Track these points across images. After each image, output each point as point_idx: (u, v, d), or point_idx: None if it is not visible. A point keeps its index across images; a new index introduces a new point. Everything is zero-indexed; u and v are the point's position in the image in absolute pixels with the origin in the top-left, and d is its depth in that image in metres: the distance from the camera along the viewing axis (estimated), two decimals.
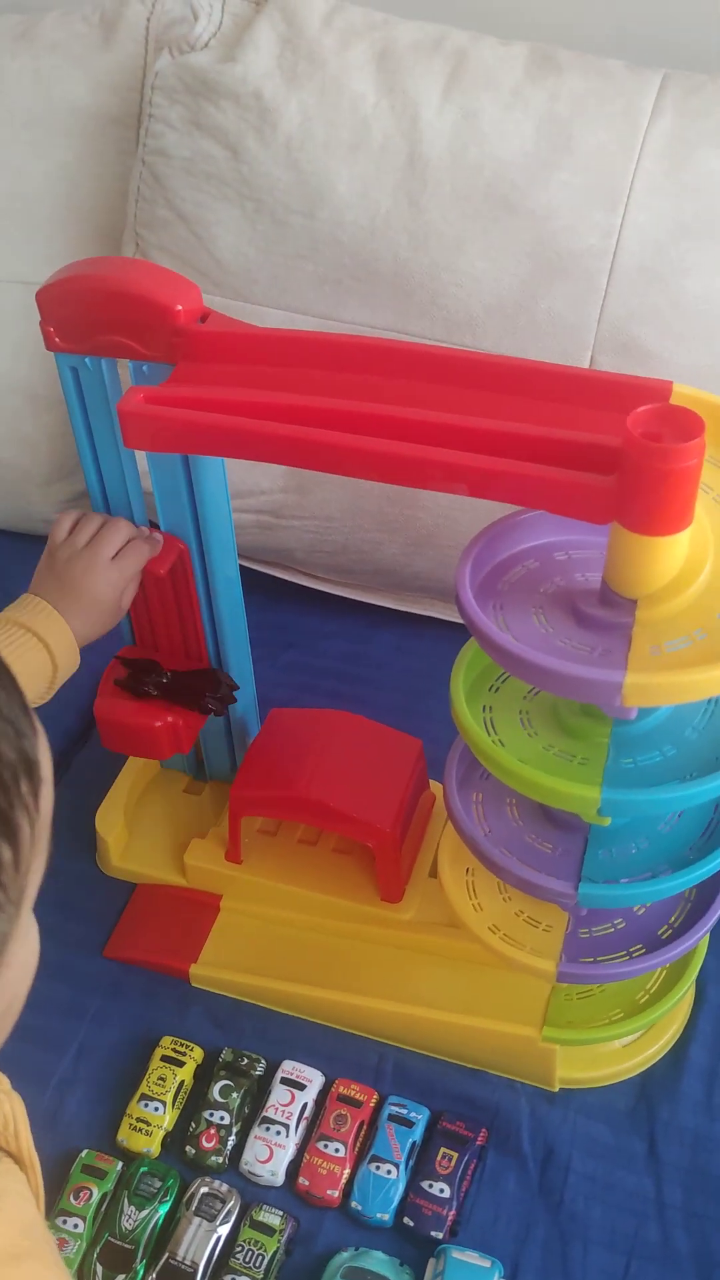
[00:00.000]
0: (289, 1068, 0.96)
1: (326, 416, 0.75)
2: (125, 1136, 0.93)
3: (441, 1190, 0.89)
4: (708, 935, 0.91)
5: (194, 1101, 0.95)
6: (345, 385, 0.78)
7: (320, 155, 1.12)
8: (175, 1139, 0.94)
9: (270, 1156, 0.91)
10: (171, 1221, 0.88)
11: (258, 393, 0.78)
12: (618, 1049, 0.96)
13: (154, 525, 0.95)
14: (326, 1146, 0.92)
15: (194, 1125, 0.93)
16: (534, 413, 0.73)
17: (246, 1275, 0.85)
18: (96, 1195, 0.89)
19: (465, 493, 0.72)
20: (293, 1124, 0.93)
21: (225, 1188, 0.89)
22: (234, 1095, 0.94)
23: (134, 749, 1.01)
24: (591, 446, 0.68)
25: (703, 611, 0.69)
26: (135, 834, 1.10)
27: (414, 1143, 0.92)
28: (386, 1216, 0.89)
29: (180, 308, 0.81)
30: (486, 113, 1.10)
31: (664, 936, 0.88)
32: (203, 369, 0.81)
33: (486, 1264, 0.85)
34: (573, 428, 0.71)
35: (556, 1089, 0.95)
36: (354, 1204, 0.89)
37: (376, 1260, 0.86)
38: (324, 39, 1.14)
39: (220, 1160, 0.92)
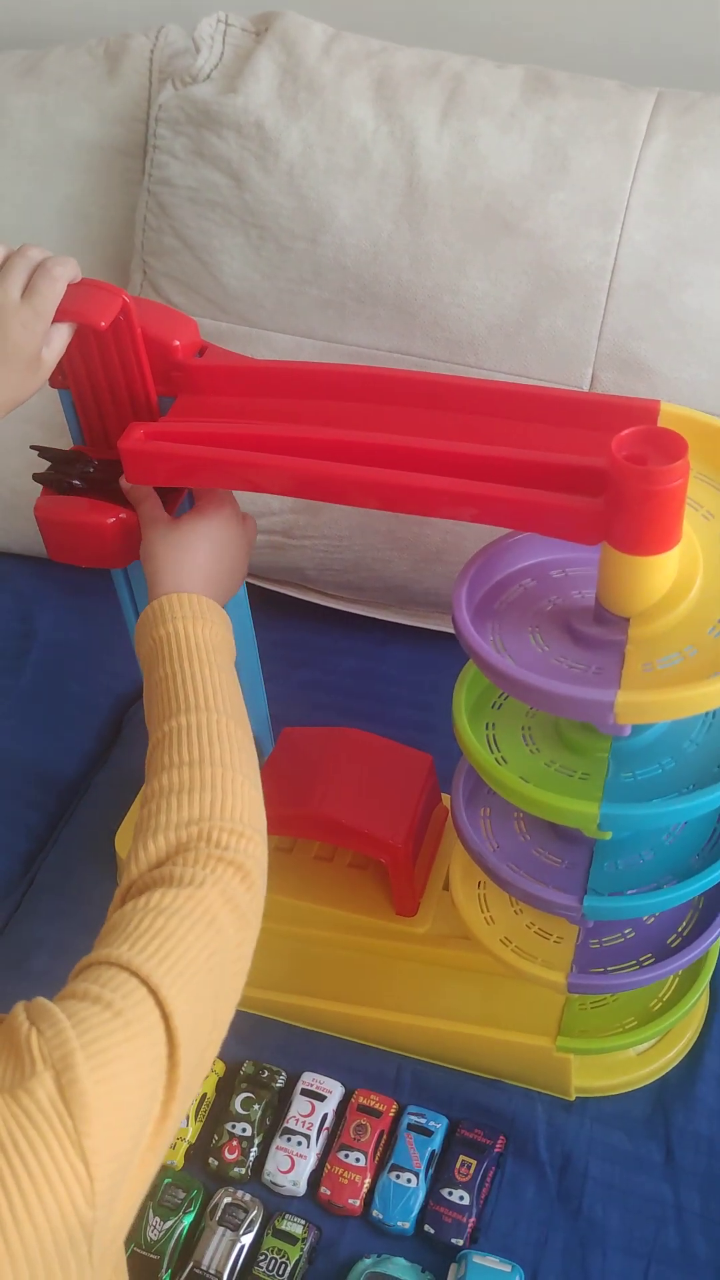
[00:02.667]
0: (309, 1079, 0.97)
1: (322, 447, 0.77)
2: None
3: (461, 1198, 0.91)
4: (719, 942, 0.92)
5: (216, 1114, 0.97)
6: (340, 414, 0.80)
7: (321, 182, 1.14)
8: (198, 1151, 0.96)
9: (292, 1167, 0.93)
10: (195, 1232, 0.90)
11: (254, 425, 0.80)
12: (633, 1057, 0.97)
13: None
14: (347, 1156, 0.93)
15: (216, 1137, 0.95)
16: (526, 436, 0.75)
17: None
18: None
19: (460, 518, 0.74)
20: (313, 1134, 0.94)
21: (248, 1198, 0.91)
22: (255, 1107, 0.96)
23: (83, 555, 0.87)
24: (579, 469, 0.70)
25: (694, 628, 0.70)
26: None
27: (433, 1151, 0.93)
28: (407, 1224, 0.90)
29: (178, 343, 0.82)
30: (484, 136, 1.11)
31: (673, 945, 0.89)
32: (202, 401, 0.83)
33: (507, 1269, 0.87)
34: (564, 450, 0.72)
35: (573, 1098, 0.96)
36: (375, 1212, 0.91)
37: (398, 1267, 0.88)
38: (323, 67, 1.16)
39: (243, 1171, 0.93)
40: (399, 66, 1.16)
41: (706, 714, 0.81)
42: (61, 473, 0.84)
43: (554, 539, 0.79)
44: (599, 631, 0.74)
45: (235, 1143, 0.94)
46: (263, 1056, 0.99)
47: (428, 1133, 0.94)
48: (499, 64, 1.17)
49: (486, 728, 0.83)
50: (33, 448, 0.86)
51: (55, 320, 0.76)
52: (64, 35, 1.36)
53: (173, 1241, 0.89)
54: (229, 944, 0.64)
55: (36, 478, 0.85)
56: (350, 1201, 0.92)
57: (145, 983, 0.58)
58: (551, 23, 1.27)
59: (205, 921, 0.62)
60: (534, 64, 1.17)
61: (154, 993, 0.58)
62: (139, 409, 0.84)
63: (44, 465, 0.87)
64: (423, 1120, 0.95)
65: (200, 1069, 0.61)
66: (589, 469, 0.69)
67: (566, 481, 0.70)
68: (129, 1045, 0.56)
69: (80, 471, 0.84)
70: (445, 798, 1.08)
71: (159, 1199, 0.91)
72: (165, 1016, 0.58)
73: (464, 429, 0.76)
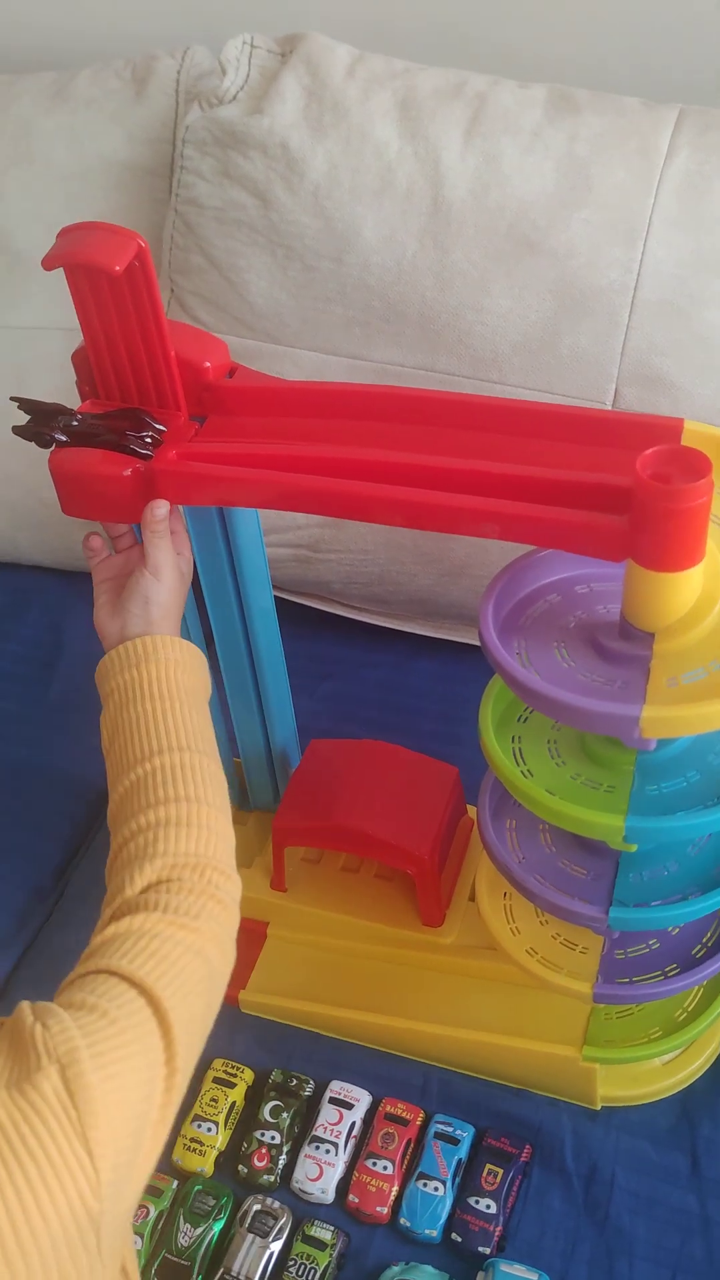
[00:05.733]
0: (337, 1088, 0.98)
1: (350, 466, 0.78)
2: (180, 1156, 0.96)
3: (488, 1206, 0.92)
4: None
5: (245, 1122, 0.98)
6: (367, 434, 0.82)
7: (346, 202, 1.16)
8: (228, 1158, 0.97)
9: (320, 1174, 0.94)
10: (226, 1238, 0.92)
11: (283, 445, 0.81)
12: (658, 1067, 0.98)
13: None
14: (375, 1164, 0.94)
15: (246, 1145, 0.96)
16: (552, 455, 0.76)
17: None
18: (153, 1213, 0.92)
19: (488, 535, 0.75)
20: (341, 1142, 0.95)
21: (277, 1205, 0.92)
22: (284, 1115, 0.97)
23: (98, 508, 0.86)
24: (604, 487, 0.71)
25: (718, 643, 0.72)
26: None
27: (460, 1160, 0.94)
28: (434, 1232, 0.91)
29: (209, 364, 0.84)
30: (507, 155, 1.13)
31: (698, 956, 0.90)
32: (232, 422, 0.85)
33: (534, 1277, 0.87)
34: (589, 469, 0.74)
35: (599, 1107, 0.97)
36: (403, 1220, 0.92)
37: (426, 1275, 0.88)
38: (347, 89, 1.18)
39: (272, 1179, 0.94)
40: (422, 87, 1.18)
41: None
42: (43, 426, 0.82)
43: (577, 555, 0.80)
44: (624, 646, 0.75)
45: (264, 1150, 0.95)
46: (291, 1065, 1.01)
47: (455, 1141, 0.95)
48: (521, 83, 1.18)
49: (512, 741, 0.84)
50: (13, 399, 0.84)
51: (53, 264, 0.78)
52: (92, 58, 1.38)
53: (203, 1248, 0.90)
54: (216, 975, 0.67)
55: (16, 430, 0.83)
56: (378, 1209, 0.92)
57: (142, 990, 0.61)
58: (573, 41, 1.28)
59: (194, 951, 0.65)
60: (556, 83, 1.19)
61: (152, 999, 0.61)
62: (153, 356, 0.82)
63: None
64: (450, 1129, 0.96)
65: (190, 1072, 0.63)
66: (614, 487, 0.70)
67: (592, 499, 0.71)
68: (126, 1050, 0.58)
69: (64, 425, 0.82)
70: (471, 809, 1.09)
71: (190, 1206, 0.92)
72: (162, 1022, 0.60)
73: (490, 448, 0.78)
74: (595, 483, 0.72)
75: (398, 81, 1.19)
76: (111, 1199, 0.55)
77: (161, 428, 0.83)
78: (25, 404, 0.84)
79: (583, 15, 1.27)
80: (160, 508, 0.82)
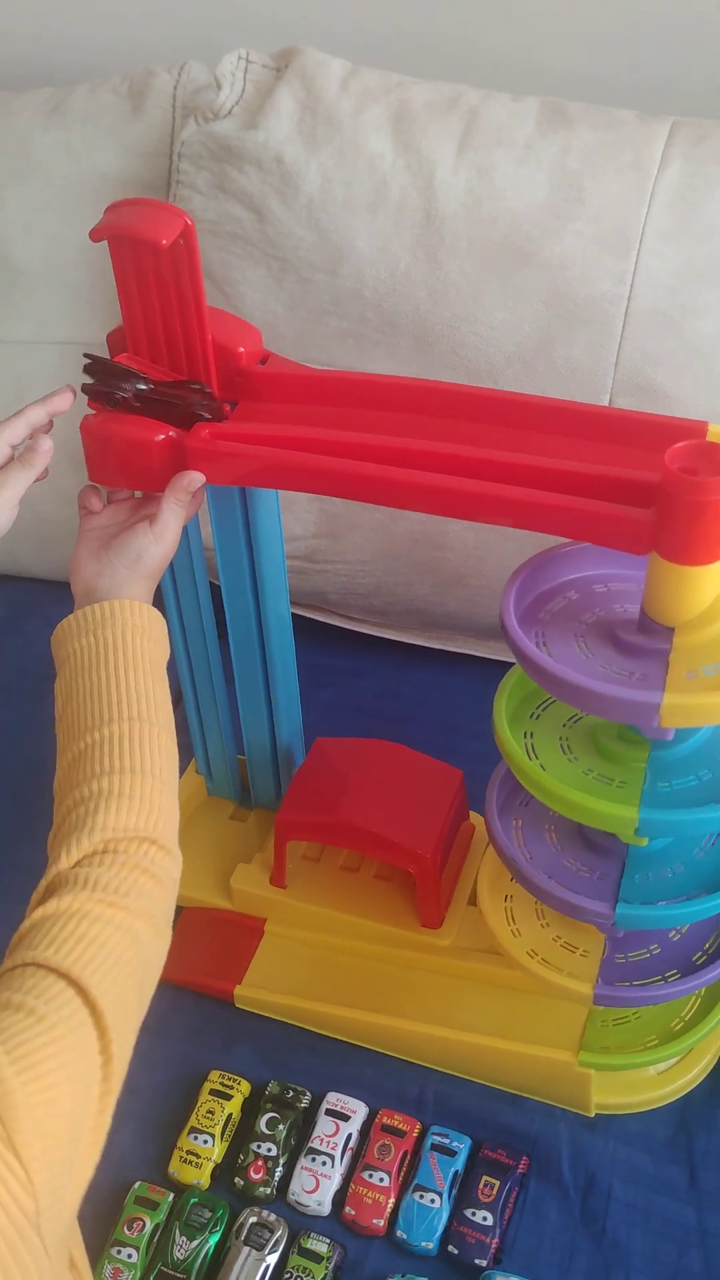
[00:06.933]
0: (333, 1099, 0.98)
1: (380, 452, 0.79)
2: (176, 1169, 0.96)
3: (484, 1218, 0.91)
4: None
5: (242, 1134, 0.98)
6: (395, 423, 0.83)
7: (341, 215, 1.16)
8: (224, 1171, 0.96)
9: (316, 1187, 0.94)
10: (222, 1251, 0.91)
11: (315, 430, 0.82)
12: (653, 1076, 0.98)
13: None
14: (371, 1176, 0.94)
15: (242, 1157, 0.96)
16: (577, 451, 0.77)
17: None
18: (149, 1226, 0.92)
19: (514, 524, 0.76)
20: (338, 1154, 0.95)
21: (273, 1218, 0.92)
22: (280, 1127, 0.96)
23: (127, 476, 0.86)
24: (632, 482, 0.72)
25: None
26: (183, 859, 1.14)
27: (456, 1171, 0.94)
28: (431, 1244, 0.91)
29: (242, 349, 0.85)
30: (500, 168, 1.13)
31: (699, 962, 0.90)
32: (263, 407, 0.86)
33: None
34: (614, 464, 0.75)
35: (593, 1114, 0.97)
36: (399, 1232, 0.91)
37: None
38: (341, 102, 1.19)
39: (268, 1191, 0.94)
40: (416, 100, 1.19)
41: None
42: (111, 385, 0.83)
43: (596, 554, 0.81)
44: (644, 640, 0.76)
45: (261, 1162, 0.95)
46: (287, 1077, 1.00)
47: (451, 1153, 0.95)
48: (515, 96, 1.19)
49: (525, 736, 0.85)
50: (85, 355, 0.85)
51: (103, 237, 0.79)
52: (89, 73, 1.39)
53: (199, 1261, 0.90)
54: (147, 952, 0.67)
55: (85, 388, 0.84)
56: (374, 1221, 0.92)
57: (71, 981, 0.61)
58: (566, 54, 1.29)
59: (124, 930, 0.65)
60: (549, 95, 1.19)
61: (81, 990, 0.61)
62: (189, 337, 0.83)
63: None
64: (446, 1140, 0.95)
65: (127, 1058, 0.63)
66: (639, 482, 0.72)
67: (618, 492, 0.72)
68: (55, 1047, 0.58)
69: (134, 389, 0.83)
70: (473, 815, 1.09)
71: (186, 1218, 0.92)
72: (94, 1011, 0.60)
73: (516, 441, 0.79)
74: (620, 476, 0.73)
75: (391, 95, 1.19)
76: (49, 1197, 0.56)
77: (229, 404, 0.85)
78: (96, 362, 0.84)
79: (576, 29, 1.28)
80: (196, 479, 0.82)
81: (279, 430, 0.83)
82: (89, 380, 0.84)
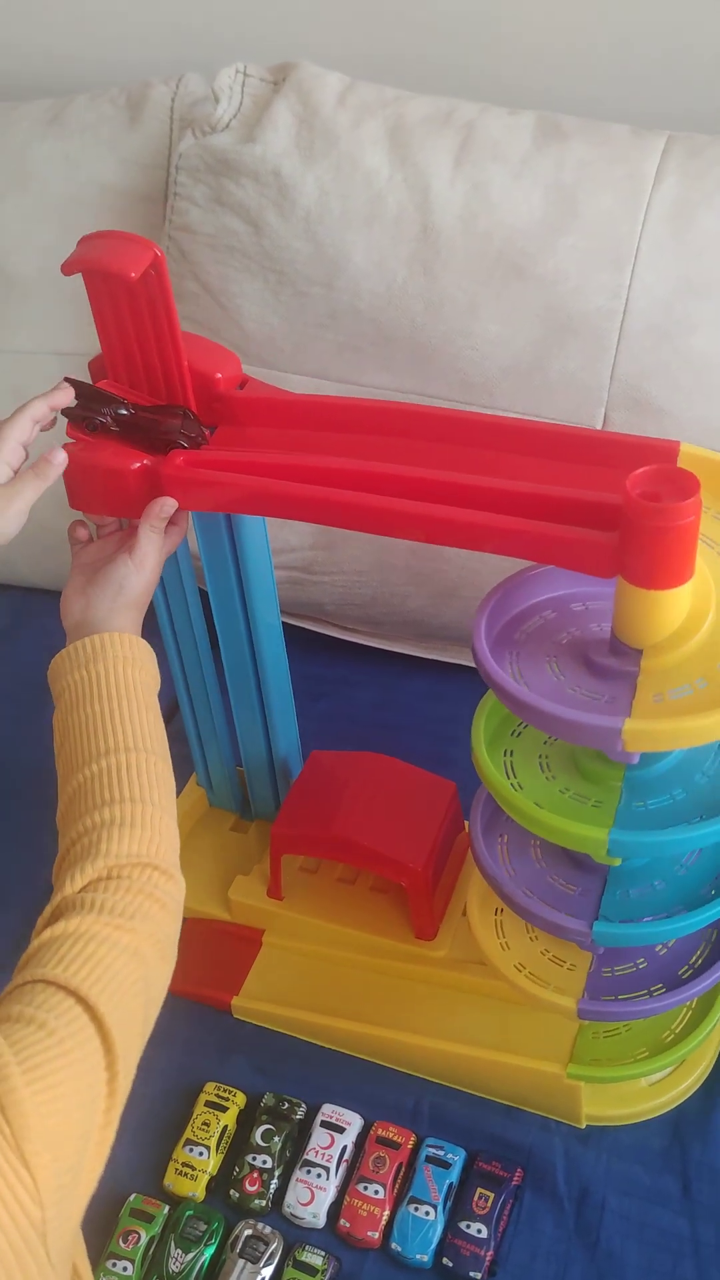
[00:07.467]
0: (329, 1111, 0.98)
1: (352, 478, 0.80)
2: (171, 1181, 0.96)
3: (479, 1231, 0.91)
4: None
5: (237, 1146, 0.98)
6: (370, 447, 0.83)
7: (337, 228, 1.17)
8: (219, 1183, 0.96)
9: (312, 1199, 0.94)
10: (217, 1264, 0.91)
11: (287, 455, 0.83)
12: (645, 1087, 0.98)
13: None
14: (366, 1188, 0.94)
15: (237, 1169, 0.96)
16: (549, 473, 0.78)
17: None
18: (144, 1238, 0.92)
19: (480, 549, 0.76)
20: (333, 1166, 0.95)
21: (268, 1230, 0.92)
22: (275, 1139, 0.96)
23: (105, 503, 0.86)
24: (596, 505, 0.72)
25: (705, 661, 0.72)
26: (183, 870, 1.13)
27: (451, 1184, 0.94)
28: (426, 1257, 0.91)
29: (220, 375, 0.86)
30: (496, 183, 1.14)
31: (684, 976, 0.90)
32: (241, 432, 0.87)
33: None
34: (585, 487, 0.75)
35: (584, 1125, 0.97)
36: (394, 1245, 0.91)
37: None
38: (338, 116, 1.19)
39: (263, 1203, 0.94)
40: (412, 115, 1.19)
41: (718, 747, 0.82)
42: (91, 410, 0.83)
43: (574, 573, 0.81)
44: (614, 662, 0.76)
45: (256, 1175, 0.95)
46: (283, 1089, 1.00)
47: (446, 1165, 0.95)
48: (511, 111, 1.20)
49: (505, 755, 0.85)
50: (66, 380, 0.85)
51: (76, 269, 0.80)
52: (87, 84, 1.39)
53: (194, 1274, 0.90)
54: (152, 974, 0.67)
55: (65, 412, 0.84)
56: (369, 1234, 0.92)
57: (79, 998, 0.61)
58: (562, 69, 1.30)
59: (131, 952, 0.66)
60: (545, 109, 1.20)
61: (89, 1007, 0.61)
62: (166, 364, 0.84)
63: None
64: (441, 1153, 0.95)
65: (132, 1074, 0.64)
66: (605, 504, 0.71)
67: (583, 516, 0.72)
68: (65, 1060, 0.59)
69: (114, 413, 0.83)
70: (468, 826, 1.09)
71: (180, 1231, 0.92)
72: (101, 1028, 0.61)
73: (488, 464, 0.79)
74: (587, 499, 0.73)
75: (388, 109, 1.20)
76: (56, 1206, 0.56)
77: (208, 429, 0.85)
78: (76, 386, 0.84)
79: (571, 43, 1.29)
80: (168, 505, 0.83)
81: (250, 456, 0.83)
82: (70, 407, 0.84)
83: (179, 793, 1.19)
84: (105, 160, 1.34)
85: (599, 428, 1.14)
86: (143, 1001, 0.66)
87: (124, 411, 0.83)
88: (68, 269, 0.80)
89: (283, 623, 1.34)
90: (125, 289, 0.80)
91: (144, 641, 0.81)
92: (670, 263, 1.11)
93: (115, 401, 0.83)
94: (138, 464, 0.83)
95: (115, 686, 0.77)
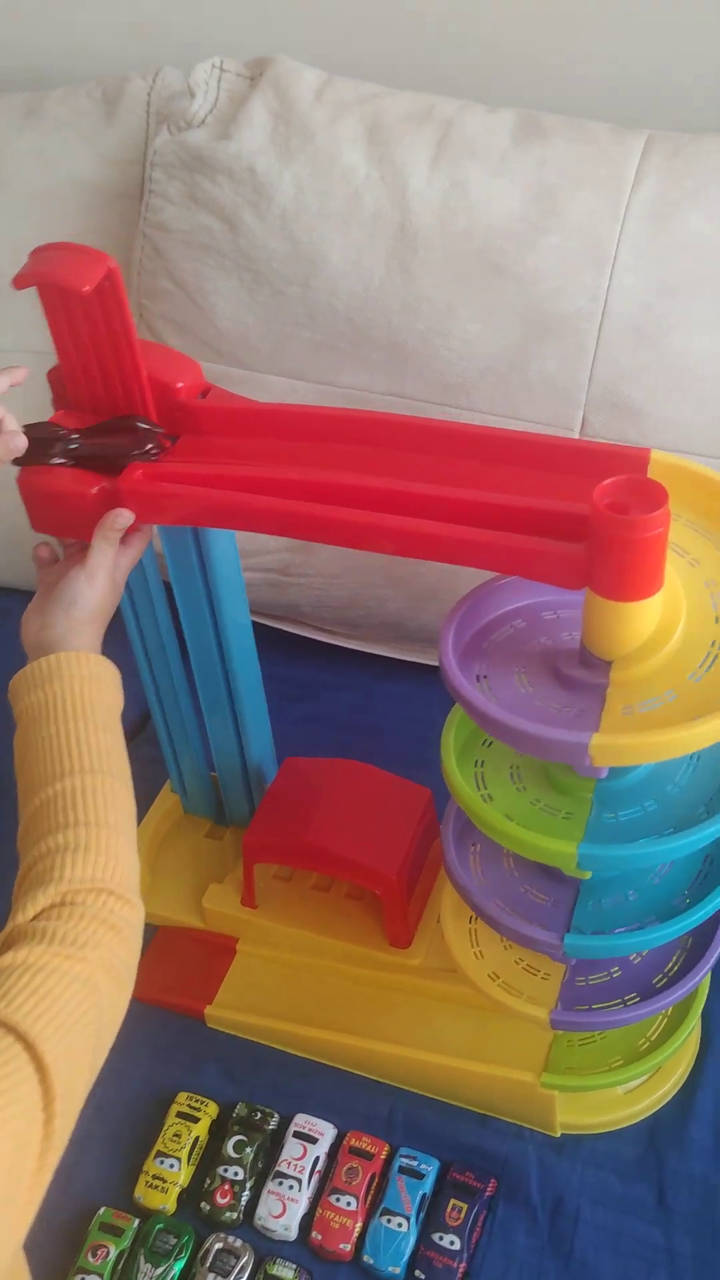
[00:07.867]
0: (301, 1121, 0.97)
1: (313, 489, 0.78)
2: (142, 1193, 0.95)
3: (452, 1242, 0.90)
4: (708, 981, 0.92)
5: (209, 1157, 0.97)
6: (336, 457, 0.82)
7: (314, 226, 1.15)
8: (191, 1195, 0.95)
9: (284, 1211, 0.93)
10: (187, 1278, 0.90)
11: (248, 466, 0.82)
12: (620, 1095, 0.97)
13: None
14: (338, 1200, 0.93)
15: (209, 1181, 0.95)
16: (519, 482, 0.76)
17: None
18: (114, 1253, 0.91)
19: (446, 560, 0.75)
20: (305, 1178, 0.94)
21: (239, 1243, 0.91)
22: (248, 1150, 0.95)
23: (66, 526, 0.85)
24: (564, 515, 0.71)
25: (674, 673, 0.71)
26: (158, 877, 1.13)
27: (424, 1195, 0.93)
28: (398, 1269, 0.90)
29: (181, 384, 0.84)
30: (474, 181, 1.13)
31: (658, 985, 0.89)
32: (204, 442, 0.85)
33: None
34: (556, 496, 0.73)
35: (558, 1134, 0.96)
36: (366, 1257, 0.91)
37: None
38: (315, 113, 1.18)
39: (235, 1216, 0.93)
40: (390, 111, 1.18)
41: (690, 758, 0.82)
42: (44, 452, 0.82)
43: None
44: (583, 674, 0.75)
45: (228, 1186, 0.94)
46: (256, 1097, 0.99)
47: (419, 1175, 0.94)
48: (490, 108, 1.18)
49: (476, 765, 0.84)
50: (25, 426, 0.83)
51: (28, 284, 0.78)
52: (64, 78, 1.38)
53: None
54: (105, 1003, 0.66)
55: (16, 461, 0.82)
56: (341, 1246, 0.91)
57: (19, 1035, 0.60)
58: (542, 65, 1.28)
59: (82, 981, 0.64)
60: (525, 106, 1.19)
61: (29, 1046, 0.60)
62: (124, 375, 0.83)
63: None
64: (414, 1163, 0.95)
65: (76, 1112, 0.62)
66: (572, 515, 0.70)
67: (551, 527, 0.71)
68: None
69: (63, 450, 0.82)
70: None
71: (151, 1245, 0.91)
72: (41, 1069, 0.59)
73: (456, 473, 0.78)
74: (554, 510, 0.72)
75: (366, 106, 1.18)
76: None
77: (159, 429, 0.84)
78: (27, 429, 0.83)
79: (553, 40, 1.27)
80: (122, 517, 0.81)
81: (209, 468, 0.82)
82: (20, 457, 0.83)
83: (154, 798, 1.19)
84: (82, 156, 1.32)
85: (577, 430, 1.13)
86: (93, 1032, 0.64)
87: (74, 445, 0.83)
88: (19, 283, 0.78)
89: (259, 624, 1.33)
90: (80, 301, 0.78)
91: (103, 658, 0.80)
92: (650, 263, 1.09)
93: (63, 439, 0.83)
94: (96, 488, 0.81)
95: (72, 707, 0.75)
